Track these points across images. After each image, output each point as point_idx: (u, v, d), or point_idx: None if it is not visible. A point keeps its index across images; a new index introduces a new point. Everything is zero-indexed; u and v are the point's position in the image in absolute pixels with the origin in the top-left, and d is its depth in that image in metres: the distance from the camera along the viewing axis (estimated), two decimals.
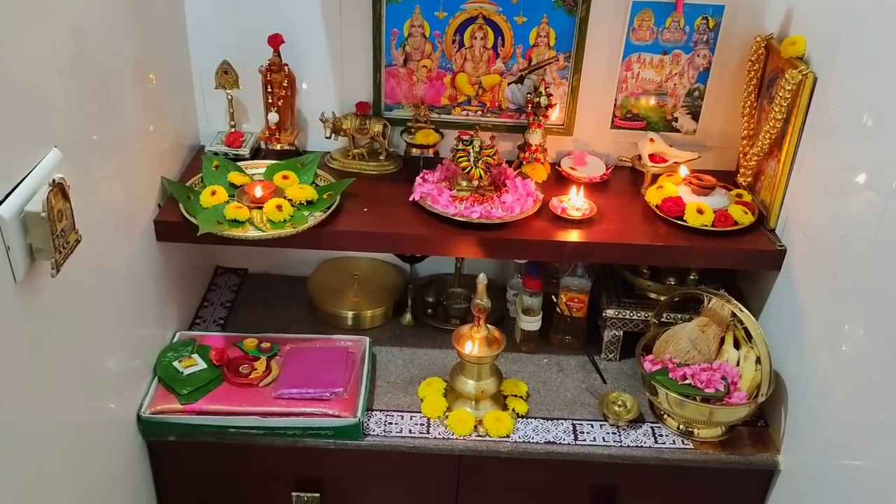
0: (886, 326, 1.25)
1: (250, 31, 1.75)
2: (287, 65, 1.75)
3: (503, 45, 1.77)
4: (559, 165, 1.84)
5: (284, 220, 1.60)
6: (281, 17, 1.75)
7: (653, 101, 1.84)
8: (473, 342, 1.59)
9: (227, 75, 1.76)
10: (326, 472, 1.65)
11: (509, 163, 1.83)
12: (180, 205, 1.61)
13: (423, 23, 1.75)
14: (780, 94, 1.55)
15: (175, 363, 1.64)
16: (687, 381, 1.59)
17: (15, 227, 1.04)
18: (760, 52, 1.69)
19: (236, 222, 1.59)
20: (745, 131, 1.74)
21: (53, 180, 1.08)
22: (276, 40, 1.71)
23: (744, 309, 1.58)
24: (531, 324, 1.81)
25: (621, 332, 1.79)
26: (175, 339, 1.73)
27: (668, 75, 1.80)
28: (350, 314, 1.89)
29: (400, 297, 1.95)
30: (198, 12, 1.75)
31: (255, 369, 1.64)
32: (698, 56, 1.78)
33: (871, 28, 1.35)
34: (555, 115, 1.84)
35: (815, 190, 1.54)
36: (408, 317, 1.91)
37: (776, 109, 1.57)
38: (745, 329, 1.62)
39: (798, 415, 1.56)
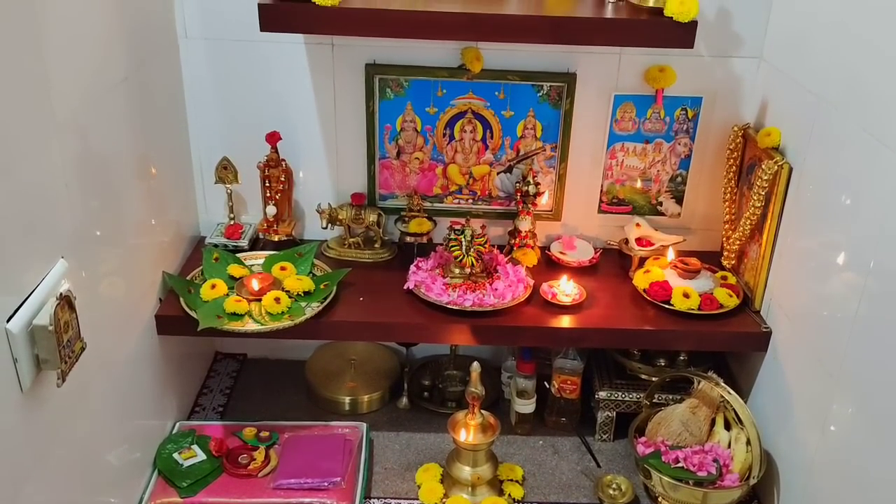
0: (871, 407, 1.29)
1: (249, 128, 1.82)
2: (284, 160, 1.82)
3: (492, 138, 1.85)
4: (549, 250, 1.90)
5: (282, 313, 1.65)
6: (279, 115, 1.82)
7: (638, 184, 1.90)
8: (468, 430, 1.62)
9: (226, 170, 1.83)
10: None
11: (500, 248, 1.89)
12: (181, 299, 1.66)
13: (414, 118, 1.83)
14: (758, 183, 1.62)
15: (175, 455, 1.66)
16: (679, 465, 1.61)
17: (23, 340, 1.08)
18: (738, 140, 1.76)
19: (235, 315, 1.63)
20: (727, 216, 1.80)
21: (60, 294, 1.13)
22: (273, 137, 1.79)
23: (731, 392, 1.61)
24: (526, 406, 1.84)
25: (614, 413, 1.82)
26: (175, 430, 1.76)
27: (652, 162, 1.87)
28: (347, 399, 1.92)
29: (396, 380, 1.98)
30: (199, 110, 1.83)
31: (255, 459, 1.66)
32: (679, 144, 1.85)
33: (839, 120, 1.42)
34: (544, 200, 1.90)
35: (796, 272, 1.59)
36: (404, 400, 1.94)
37: (755, 198, 1.63)
38: (736, 414, 1.64)
39: (791, 495, 1.57)
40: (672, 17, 1.39)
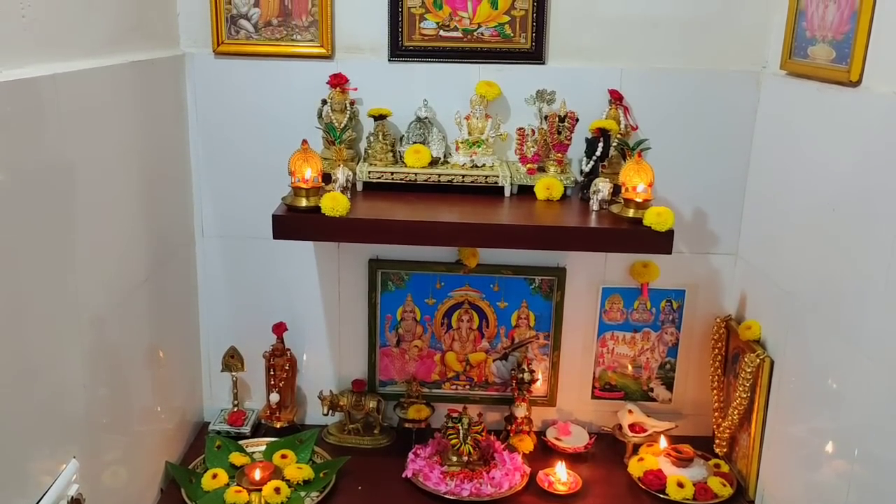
0: None
1: (257, 318, 1.92)
2: (289, 349, 1.90)
3: (487, 327, 1.94)
4: (545, 435, 1.94)
5: (282, 503, 1.66)
6: (286, 305, 1.93)
7: (629, 370, 1.98)
8: None
9: (233, 359, 1.91)
10: None
11: (497, 433, 1.93)
12: (182, 490, 1.69)
13: (414, 308, 1.93)
14: (743, 375, 1.69)
15: None
16: None
17: None
18: (721, 331, 1.85)
19: None
20: (716, 403, 1.86)
21: (71, 497, 1.17)
22: (280, 328, 1.88)
23: None
24: None
25: None
26: None
27: (641, 350, 1.96)
28: None
29: None
30: (211, 301, 1.94)
31: None
32: (666, 333, 1.94)
33: (813, 319, 1.52)
34: (538, 385, 1.97)
35: (786, 461, 1.63)
36: None
37: (741, 389, 1.70)
38: None
39: None
40: (650, 227, 1.52)
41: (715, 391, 1.87)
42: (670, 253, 1.55)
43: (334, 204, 1.53)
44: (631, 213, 1.56)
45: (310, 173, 1.55)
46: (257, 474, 1.72)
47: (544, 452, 1.91)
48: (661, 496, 1.73)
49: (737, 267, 1.89)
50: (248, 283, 1.93)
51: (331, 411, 1.92)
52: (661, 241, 1.53)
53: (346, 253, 1.90)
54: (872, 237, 1.32)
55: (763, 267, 1.76)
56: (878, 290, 1.29)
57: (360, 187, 1.72)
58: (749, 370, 1.67)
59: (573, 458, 1.87)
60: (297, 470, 1.74)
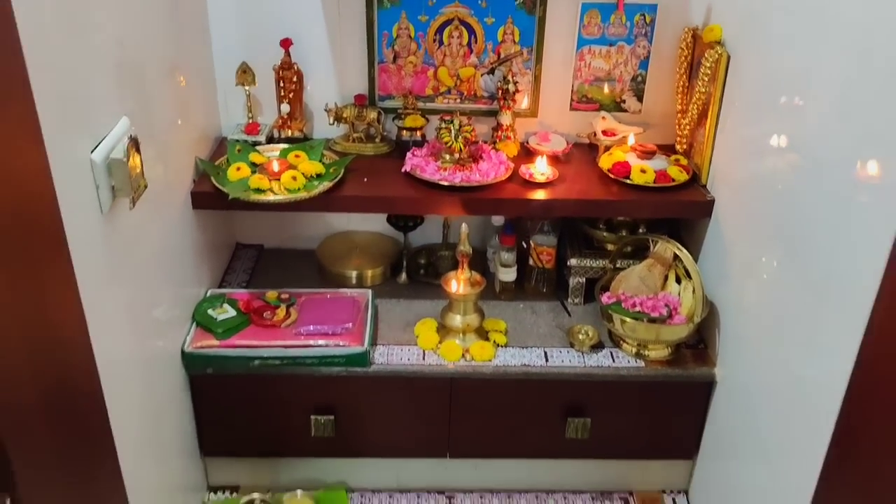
0: (795, 259, 1.57)
1: (264, 36, 2.08)
2: (296, 63, 2.09)
3: (476, 42, 2.13)
4: (527, 143, 2.18)
5: (299, 189, 1.93)
6: (291, 24, 2.09)
7: (605, 88, 2.19)
8: (459, 282, 1.92)
9: (245, 74, 2.10)
10: (339, 398, 1.96)
11: (485, 142, 2.17)
12: (212, 178, 1.94)
13: (408, 25, 2.10)
14: (702, 70, 1.90)
15: (210, 311, 1.95)
16: (637, 309, 1.91)
17: (103, 170, 1.36)
18: (689, 40, 2.04)
19: (259, 190, 1.91)
20: (680, 106, 2.09)
21: (131, 136, 1.41)
22: (286, 43, 2.06)
23: (682, 248, 1.91)
24: (508, 274, 2.14)
25: (584, 280, 2.12)
26: (208, 294, 2.05)
27: (615, 64, 2.15)
28: (354, 273, 2.21)
29: (396, 262, 2.27)
30: (220, 20, 2.09)
31: (277, 314, 1.95)
32: (639, 47, 2.13)
33: (773, 16, 1.69)
34: (524, 104, 2.18)
35: (735, 150, 1.88)
36: (403, 276, 2.24)
37: (700, 84, 1.92)
38: (686, 269, 1.94)
39: (729, 336, 1.88)
40: None
41: (679, 95, 2.08)
42: None
43: None
44: None
45: None
46: (275, 166, 1.97)
47: (527, 155, 2.16)
48: (626, 181, 2.00)
49: None
50: (254, 2, 2.08)
51: (336, 122, 2.14)
52: None
53: None
54: None
55: None
56: None
57: None
58: (708, 65, 1.88)
59: (552, 160, 2.12)
60: (310, 165, 1.99)
